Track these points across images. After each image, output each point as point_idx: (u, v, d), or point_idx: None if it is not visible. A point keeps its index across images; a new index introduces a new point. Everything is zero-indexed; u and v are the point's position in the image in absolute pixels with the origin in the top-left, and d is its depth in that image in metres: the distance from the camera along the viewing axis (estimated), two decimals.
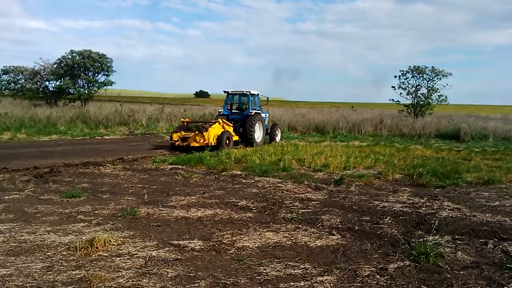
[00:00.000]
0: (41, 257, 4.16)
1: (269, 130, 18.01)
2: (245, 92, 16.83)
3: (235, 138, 15.64)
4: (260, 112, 17.01)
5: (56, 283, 3.59)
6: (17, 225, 5.22)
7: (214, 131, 14.36)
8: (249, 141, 15.91)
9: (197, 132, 14.13)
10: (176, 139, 14.33)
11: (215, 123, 14.76)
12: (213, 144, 14.16)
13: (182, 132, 14.47)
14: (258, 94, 17.59)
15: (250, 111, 16.26)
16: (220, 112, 16.95)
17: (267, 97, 19.10)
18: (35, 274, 3.74)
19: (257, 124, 16.18)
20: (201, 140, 13.93)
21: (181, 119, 17.24)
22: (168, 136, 19.67)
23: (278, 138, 18.35)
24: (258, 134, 16.44)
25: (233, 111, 17.25)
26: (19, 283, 3.55)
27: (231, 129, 15.43)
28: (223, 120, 15.35)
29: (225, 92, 17.42)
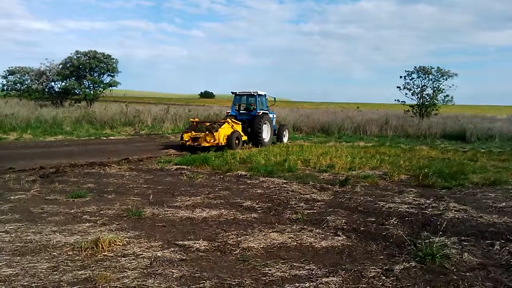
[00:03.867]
0: (46, 257, 4.17)
1: (276, 131, 18.09)
2: (252, 93, 16.89)
3: (244, 138, 15.71)
4: (267, 112, 17.08)
5: (61, 283, 3.60)
6: (23, 225, 5.25)
7: (224, 131, 14.49)
8: (257, 141, 15.96)
9: (207, 132, 14.28)
10: (187, 139, 14.48)
11: (224, 123, 14.85)
12: (223, 144, 14.28)
13: (193, 132, 14.66)
14: (265, 94, 17.65)
15: (258, 111, 16.33)
16: (228, 112, 17.05)
17: (274, 98, 19.14)
18: (41, 274, 3.76)
19: (265, 124, 16.24)
20: (212, 140, 14.07)
21: (191, 119, 17.31)
22: (174, 136, 19.80)
23: (285, 139, 18.47)
24: (266, 134, 16.49)
25: (241, 111, 17.33)
26: (25, 283, 3.57)
27: (240, 129, 15.51)
28: (232, 120, 15.42)
29: (232, 93, 17.48)
